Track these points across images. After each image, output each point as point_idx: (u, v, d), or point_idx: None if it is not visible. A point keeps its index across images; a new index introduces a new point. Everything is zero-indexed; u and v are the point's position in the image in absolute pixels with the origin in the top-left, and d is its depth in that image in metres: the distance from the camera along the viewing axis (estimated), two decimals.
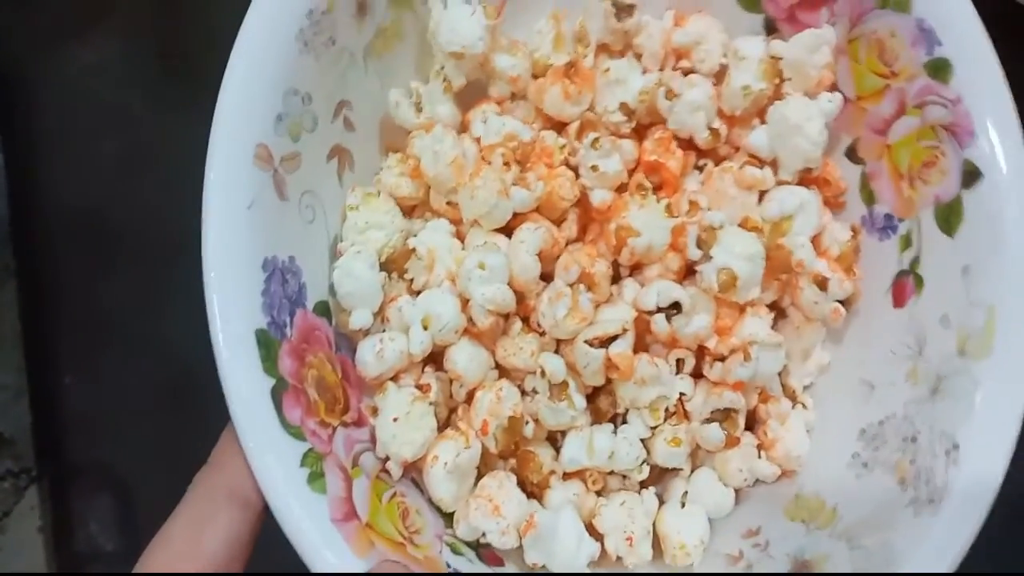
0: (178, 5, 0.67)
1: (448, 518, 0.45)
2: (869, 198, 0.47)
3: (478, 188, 0.44)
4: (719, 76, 0.48)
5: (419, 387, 0.45)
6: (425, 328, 0.44)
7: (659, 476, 0.47)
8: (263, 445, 0.38)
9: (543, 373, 0.44)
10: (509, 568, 0.44)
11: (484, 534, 0.43)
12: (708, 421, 0.44)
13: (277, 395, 0.39)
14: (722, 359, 0.44)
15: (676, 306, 0.44)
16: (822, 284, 0.44)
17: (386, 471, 0.43)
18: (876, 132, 0.46)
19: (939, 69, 0.42)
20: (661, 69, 0.49)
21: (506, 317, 0.45)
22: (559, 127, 0.49)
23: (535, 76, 0.49)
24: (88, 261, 0.62)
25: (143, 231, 0.61)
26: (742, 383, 0.43)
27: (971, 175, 0.42)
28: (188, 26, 0.66)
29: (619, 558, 0.44)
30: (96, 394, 0.59)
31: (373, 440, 0.44)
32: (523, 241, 0.44)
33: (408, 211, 0.49)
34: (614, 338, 0.43)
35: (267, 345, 0.40)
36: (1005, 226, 0.41)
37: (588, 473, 0.45)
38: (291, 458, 0.39)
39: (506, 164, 0.45)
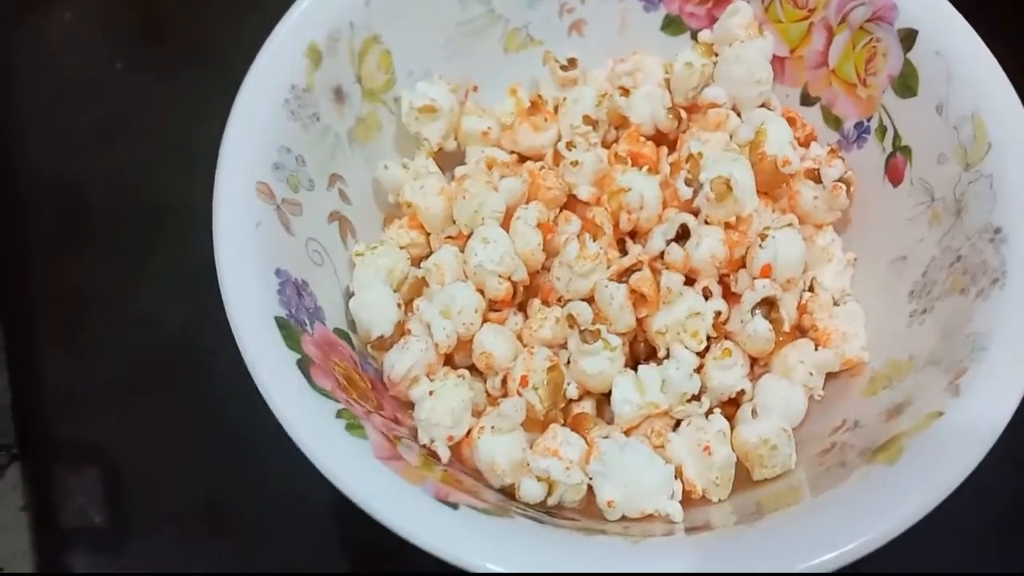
0: None
1: (509, 496, 0.40)
2: (836, 123, 0.49)
3: (467, 189, 0.46)
4: None
5: None
6: (446, 318, 0.44)
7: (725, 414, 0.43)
8: (293, 401, 0.37)
9: (572, 323, 0.43)
10: (583, 522, 0.38)
11: (549, 486, 0.39)
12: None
13: (304, 367, 0.38)
14: (743, 266, 0.43)
15: (684, 235, 0.44)
16: (815, 176, 0.45)
17: (433, 454, 0.40)
18: (818, 67, 0.49)
19: None
20: None
21: (515, 295, 0.45)
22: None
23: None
24: (69, 233, 0.59)
25: (125, 202, 0.59)
26: (768, 267, 0.42)
27: (909, 37, 0.45)
28: None
29: (704, 495, 0.40)
30: (79, 369, 0.55)
31: (414, 437, 0.41)
32: (520, 218, 0.45)
33: (414, 261, 0.50)
34: (631, 274, 0.43)
35: (287, 329, 0.40)
36: (951, 47, 0.43)
37: (648, 424, 0.42)
38: (325, 411, 0.37)
39: (488, 167, 0.48)
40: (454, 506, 0.34)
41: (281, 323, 0.39)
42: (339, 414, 0.37)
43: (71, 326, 0.57)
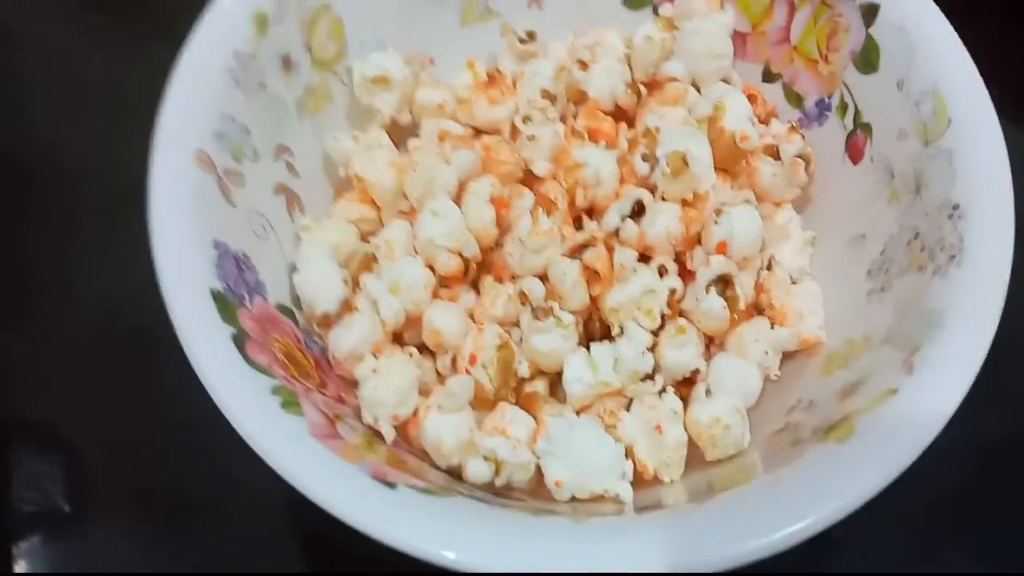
0: None
1: (456, 477, 0.39)
2: (797, 101, 0.48)
3: (418, 161, 0.45)
4: None
5: None
6: (394, 294, 0.42)
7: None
8: (225, 374, 0.35)
9: (524, 300, 0.41)
10: (531, 503, 0.37)
11: (497, 466, 0.37)
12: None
13: (239, 341, 0.37)
14: (700, 243, 0.42)
15: (640, 211, 0.43)
16: (773, 152, 0.44)
17: (377, 434, 0.39)
18: (780, 43, 0.48)
19: None
20: None
21: (467, 271, 0.43)
22: None
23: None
24: (17, 207, 0.57)
25: (79, 176, 0.57)
26: (724, 244, 0.41)
27: (870, 11, 0.44)
28: None
29: (655, 475, 0.38)
30: (34, 349, 0.53)
31: (359, 416, 0.40)
32: (472, 192, 0.44)
33: (365, 236, 0.48)
34: (585, 250, 0.42)
35: (223, 303, 0.38)
36: (914, 24, 0.42)
37: (600, 405, 0.41)
38: (259, 387, 0.35)
39: (440, 139, 0.47)
40: (392, 485, 0.33)
41: (217, 296, 0.38)
42: (275, 390, 0.35)
43: (23, 304, 0.55)
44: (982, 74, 0.40)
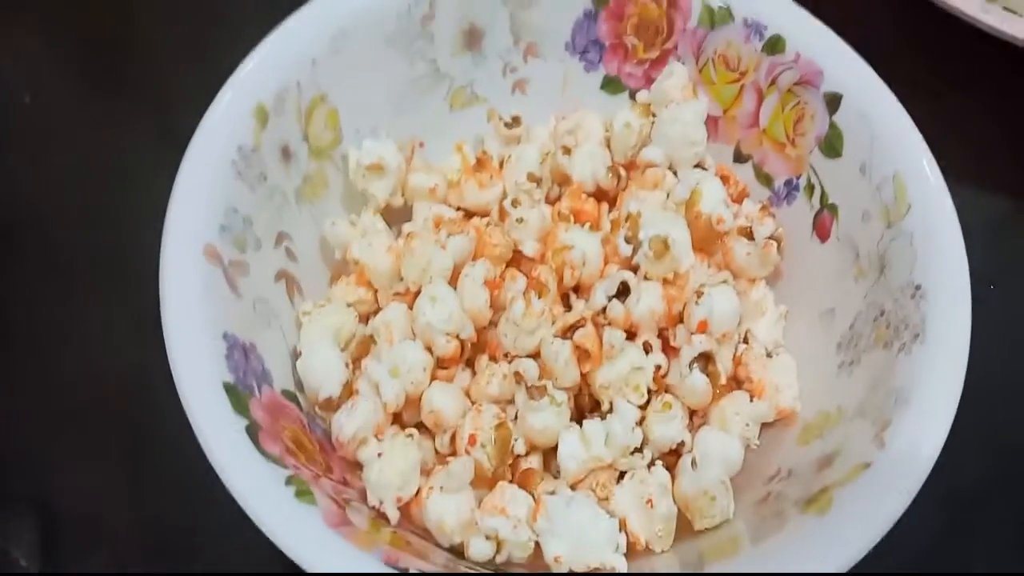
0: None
1: (458, 555, 0.41)
2: (767, 181, 0.51)
3: (415, 248, 0.47)
4: None
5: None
6: (395, 377, 0.44)
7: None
8: (242, 469, 0.37)
9: (519, 379, 0.44)
10: None
11: (497, 544, 0.40)
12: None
13: (252, 432, 0.39)
14: (681, 320, 0.45)
15: (625, 291, 0.46)
16: (748, 233, 0.47)
17: (382, 516, 0.41)
18: (750, 127, 0.52)
19: (774, 45, 0.49)
20: None
21: (463, 352, 0.46)
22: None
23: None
24: (13, 272, 0.57)
25: (74, 242, 0.57)
26: (704, 323, 0.43)
27: (834, 100, 0.47)
28: (111, 19, 0.64)
29: (647, 546, 0.41)
30: (13, 410, 0.53)
31: (363, 498, 0.42)
32: (467, 275, 0.46)
33: (362, 318, 0.51)
34: (575, 330, 0.44)
35: (236, 395, 0.40)
36: (874, 111, 0.45)
37: (593, 478, 0.43)
38: (274, 479, 0.37)
39: (436, 226, 0.49)
40: (404, 572, 0.35)
41: (229, 389, 0.40)
42: (288, 481, 0.37)
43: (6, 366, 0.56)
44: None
